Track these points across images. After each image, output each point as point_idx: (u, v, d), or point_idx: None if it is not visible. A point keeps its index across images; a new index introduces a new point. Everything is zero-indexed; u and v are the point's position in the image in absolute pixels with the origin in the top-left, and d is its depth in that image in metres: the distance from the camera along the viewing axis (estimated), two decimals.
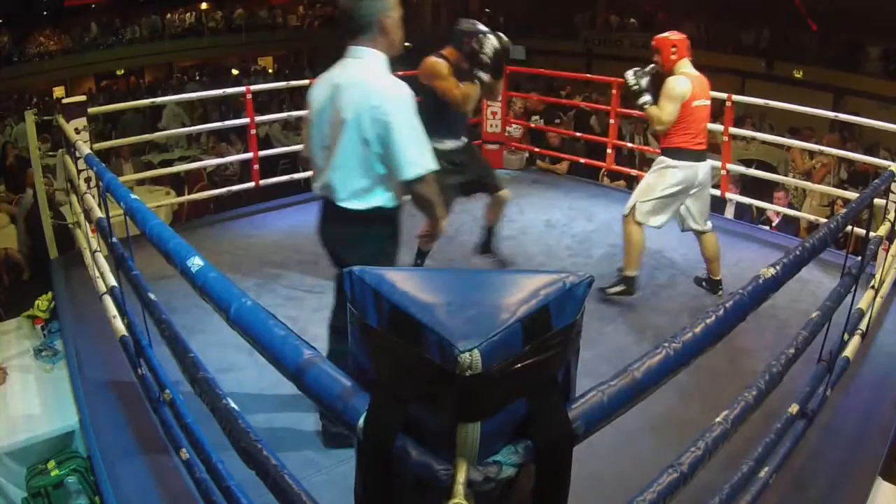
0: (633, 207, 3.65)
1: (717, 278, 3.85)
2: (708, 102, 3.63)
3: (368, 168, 2.16)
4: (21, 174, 7.03)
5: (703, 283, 3.91)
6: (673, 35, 3.60)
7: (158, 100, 7.12)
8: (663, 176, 3.61)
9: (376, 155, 2.13)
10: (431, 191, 2.23)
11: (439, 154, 2.91)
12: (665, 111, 3.50)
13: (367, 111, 2.08)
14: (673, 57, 3.53)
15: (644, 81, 3.60)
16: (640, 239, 3.67)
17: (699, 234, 3.80)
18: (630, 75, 3.64)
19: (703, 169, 3.62)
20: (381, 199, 2.24)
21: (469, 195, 3.89)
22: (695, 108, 3.52)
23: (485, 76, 3.45)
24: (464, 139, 3.71)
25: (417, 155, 2.13)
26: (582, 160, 6.50)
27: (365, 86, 2.10)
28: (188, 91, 13.03)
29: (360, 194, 2.21)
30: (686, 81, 3.48)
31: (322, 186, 2.27)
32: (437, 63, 3.43)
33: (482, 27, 3.54)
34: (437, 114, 3.34)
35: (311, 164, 2.37)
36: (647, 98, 3.58)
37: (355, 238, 2.29)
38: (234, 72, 18.31)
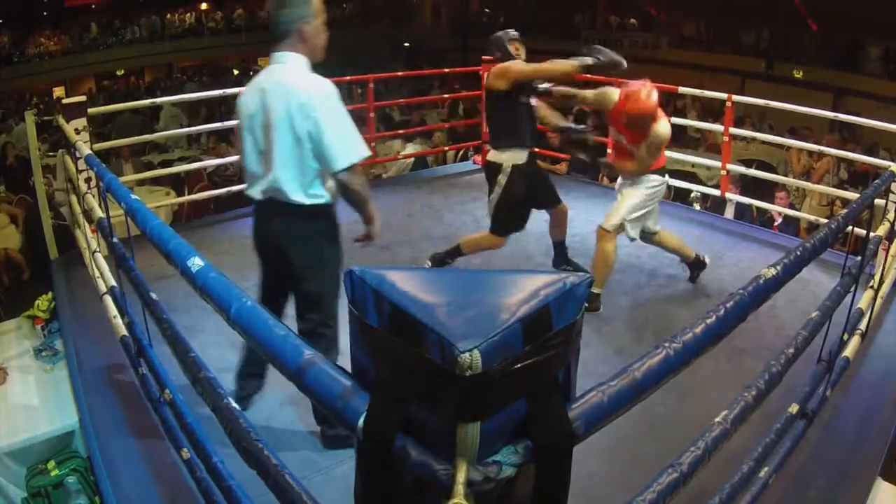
0: (619, 225, 3.64)
1: (693, 256, 3.96)
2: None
3: (306, 165, 2.24)
4: (21, 174, 7.04)
5: (692, 271, 4.01)
6: (642, 92, 3.49)
7: (158, 100, 7.12)
8: (654, 192, 3.71)
9: (310, 151, 2.22)
10: (361, 182, 2.28)
11: (515, 167, 3.52)
12: (653, 156, 3.61)
13: (296, 109, 2.17)
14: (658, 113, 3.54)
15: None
16: (615, 257, 3.67)
17: (654, 234, 3.90)
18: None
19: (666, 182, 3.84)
20: (322, 194, 2.31)
21: (538, 209, 3.91)
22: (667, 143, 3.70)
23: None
24: (529, 149, 3.71)
25: (346, 145, 2.20)
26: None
27: (291, 86, 2.20)
28: (186, 91, 13.02)
29: (305, 190, 2.28)
30: (666, 125, 3.57)
31: (266, 189, 2.32)
32: (505, 64, 3.53)
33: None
34: (507, 122, 3.49)
35: (245, 172, 2.40)
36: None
37: (303, 233, 2.36)
38: (235, 72, 18.31)
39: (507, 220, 3.69)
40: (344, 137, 2.20)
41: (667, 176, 3.82)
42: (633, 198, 3.70)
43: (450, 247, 3.92)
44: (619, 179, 3.88)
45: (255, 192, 2.37)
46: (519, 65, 3.53)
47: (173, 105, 10.47)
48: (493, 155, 3.67)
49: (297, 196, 2.28)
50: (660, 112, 3.56)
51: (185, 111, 11.07)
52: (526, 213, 3.75)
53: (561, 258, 4.12)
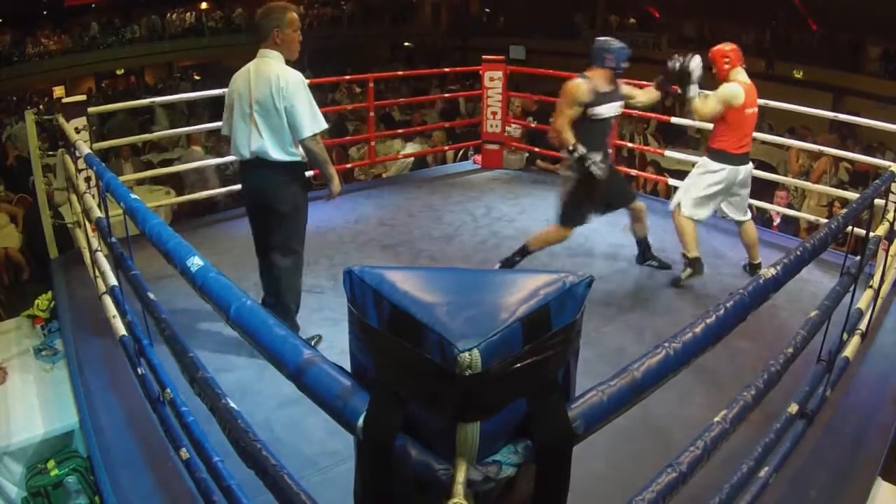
0: (679, 204, 3.98)
1: (757, 262, 4.15)
2: (756, 110, 3.92)
3: (283, 132, 2.97)
4: (22, 174, 7.04)
5: (746, 268, 4.23)
6: (725, 46, 3.89)
7: (158, 99, 7.12)
8: (705, 176, 3.92)
9: (285, 121, 2.94)
10: (321, 147, 3.03)
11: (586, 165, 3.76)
12: (707, 107, 3.80)
13: (275, 92, 2.90)
14: (726, 66, 3.83)
15: (693, 67, 3.92)
16: (691, 226, 3.98)
17: (739, 223, 4.11)
18: (678, 59, 3.97)
19: (743, 171, 3.90)
20: (295, 153, 3.03)
21: (609, 210, 4.10)
22: (747, 115, 3.79)
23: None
24: (605, 153, 3.88)
25: (311, 120, 2.94)
26: None
27: (272, 75, 2.92)
28: (181, 91, 12.99)
29: (283, 150, 2.99)
30: (739, 89, 3.75)
31: (253, 150, 3.01)
32: (566, 87, 3.77)
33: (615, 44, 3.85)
34: (582, 128, 3.75)
35: (233, 139, 3.09)
36: (695, 90, 3.89)
37: (280, 183, 3.06)
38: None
39: (576, 212, 3.96)
40: (309, 114, 2.93)
41: (729, 165, 3.84)
42: (689, 178, 4.06)
43: (517, 248, 4.11)
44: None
45: (244, 153, 3.04)
46: (559, 108, 3.87)
47: (162, 106, 10.45)
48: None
49: (277, 154, 2.99)
50: (735, 74, 3.81)
51: (174, 112, 11.05)
52: (594, 208, 3.97)
53: (644, 254, 4.31)
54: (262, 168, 3.03)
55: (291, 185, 3.07)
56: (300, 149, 3.02)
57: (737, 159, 3.87)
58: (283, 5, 3.01)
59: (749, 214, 4.12)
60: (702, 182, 3.95)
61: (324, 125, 2.97)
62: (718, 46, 3.93)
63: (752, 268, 4.18)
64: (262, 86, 2.92)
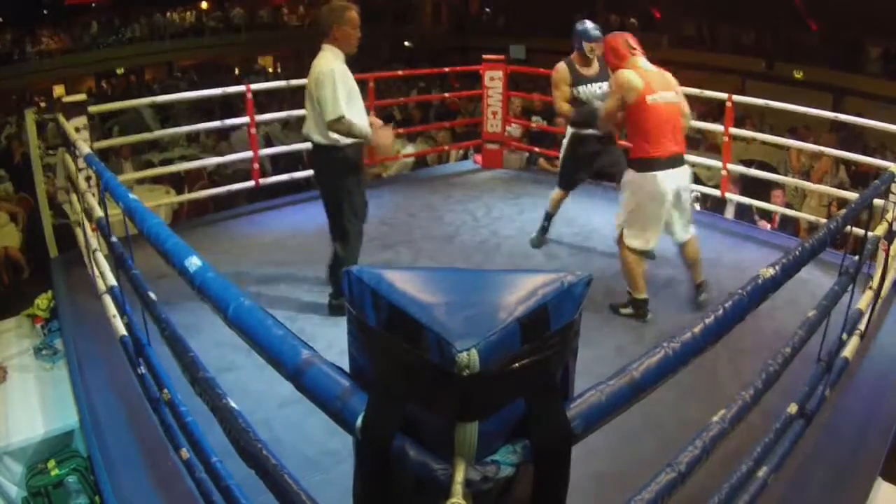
0: (622, 233, 3.51)
1: (701, 280, 3.68)
2: (672, 97, 3.35)
3: (320, 117, 3.30)
4: (27, 172, 7.03)
5: (697, 295, 3.69)
6: (614, 37, 3.49)
7: (159, 98, 7.10)
8: (632, 193, 3.43)
9: (320, 108, 3.28)
10: (345, 127, 3.27)
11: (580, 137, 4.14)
12: (606, 104, 3.50)
13: (313, 81, 3.29)
14: (617, 58, 3.41)
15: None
16: (635, 259, 3.50)
17: (682, 244, 3.62)
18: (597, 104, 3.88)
19: (673, 177, 3.35)
20: (331, 137, 3.33)
21: (600, 177, 4.42)
22: (650, 106, 3.27)
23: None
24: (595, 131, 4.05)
25: (331, 107, 3.23)
26: None
27: (317, 67, 3.30)
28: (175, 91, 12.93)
29: (321, 133, 3.35)
30: (631, 74, 3.29)
31: (304, 132, 3.47)
32: (554, 71, 4.15)
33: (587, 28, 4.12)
34: (574, 106, 4.08)
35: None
36: (598, 104, 3.74)
37: (320, 164, 3.50)
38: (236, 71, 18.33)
39: (566, 175, 4.39)
40: (331, 102, 3.22)
41: (652, 172, 3.32)
42: (620, 198, 3.54)
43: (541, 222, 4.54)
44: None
45: (305, 134, 3.50)
46: (555, 92, 4.26)
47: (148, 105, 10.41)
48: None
49: (318, 137, 3.37)
50: (630, 63, 3.36)
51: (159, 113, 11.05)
52: (582, 172, 4.34)
53: None
54: (312, 150, 3.51)
55: (331, 167, 3.42)
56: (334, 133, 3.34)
57: (660, 163, 3.31)
58: (345, 5, 3.35)
59: (693, 230, 3.62)
60: (629, 201, 3.43)
61: (340, 112, 3.21)
62: (607, 37, 3.55)
63: (698, 288, 3.68)
64: (310, 77, 3.33)
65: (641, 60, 3.40)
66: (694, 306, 3.69)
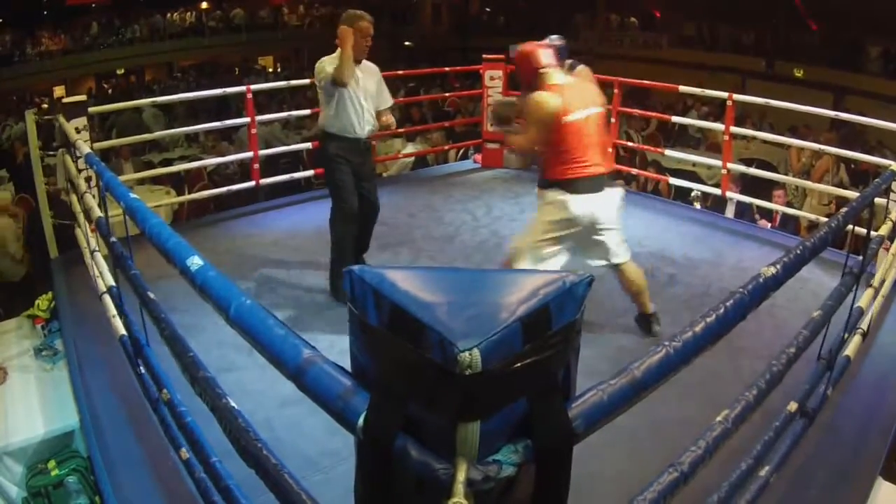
0: (512, 257, 3.17)
1: (650, 312, 3.37)
2: (594, 111, 3.05)
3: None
4: (29, 173, 7.02)
5: (641, 324, 3.41)
6: (525, 48, 3.10)
7: (159, 99, 7.13)
8: (544, 215, 3.08)
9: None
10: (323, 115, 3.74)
11: None
12: (528, 136, 3.04)
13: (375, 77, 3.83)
14: (528, 74, 3.08)
15: (503, 113, 3.49)
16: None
17: (615, 266, 3.21)
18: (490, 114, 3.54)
19: (598, 202, 3.02)
20: (324, 124, 3.76)
21: None
22: (566, 125, 2.95)
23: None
24: None
25: (389, 97, 3.90)
26: None
27: (371, 66, 3.80)
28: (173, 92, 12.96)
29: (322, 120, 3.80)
30: (545, 97, 2.96)
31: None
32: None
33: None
34: None
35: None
36: (509, 127, 3.28)
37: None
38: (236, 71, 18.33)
39: None
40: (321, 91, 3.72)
41: (573, 195, 2.97)
42: (533, 219, 3.23)
43: None
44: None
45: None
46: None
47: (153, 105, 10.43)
48: None
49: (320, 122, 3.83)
50: (547, 79, 3.00)
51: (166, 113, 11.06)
52: None
53: None
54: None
55: (321, 150, 3.89)
56: (323, 120, 3.72)
57: (576, 186, 2.98)
58: (359, 14, 3.57)
59: (628, 254, 3.22)
60: (540, 224, 3.08)
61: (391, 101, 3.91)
62: (517, 51, 3.12)
63: (645, 320, 3.37)
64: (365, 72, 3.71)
65: (556, 75, 3.04)
66: (695, 305, 3.69)
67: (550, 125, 2.94)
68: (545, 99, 2.94)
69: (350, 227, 3.76)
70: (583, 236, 3.10)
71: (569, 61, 3.27)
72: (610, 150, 3.17)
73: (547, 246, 3.08)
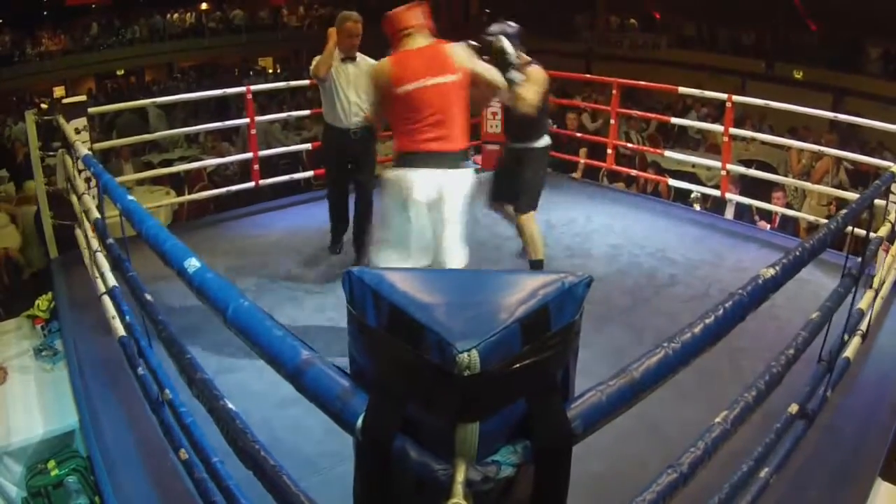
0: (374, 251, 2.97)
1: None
2: (442, 79, 2.73)
3: None
4: (29, 173, 7.03)
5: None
6: (389, 14, 2.84)
7: (158, 100, 7.12)
8: (384, 197, 2.84)
9: None
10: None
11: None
12: (370, 103, 3.02)
13: None
14: (390, 35, 2.84)
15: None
16: None
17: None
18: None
19: (431, 178, 2.73)
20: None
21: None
22: (403, 94, 2.72)
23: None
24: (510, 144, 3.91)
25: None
26: (582, 160, 6.52)
27: (369, 63, 3.77)
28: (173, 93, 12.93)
29: None
30: (382, 64, 2.81)
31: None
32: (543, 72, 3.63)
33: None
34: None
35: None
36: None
37: None
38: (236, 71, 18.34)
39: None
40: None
41: (409, 169, 2.74)
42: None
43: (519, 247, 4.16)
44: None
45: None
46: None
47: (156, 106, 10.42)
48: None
49: None
50: (404, 43, 2.80)
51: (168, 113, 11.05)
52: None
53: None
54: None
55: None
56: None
57: (416, 159, 2.73)
58: (346, 15, 3.86)
59: (466, 259, 2.91)
60: (383, 211, 2.85)
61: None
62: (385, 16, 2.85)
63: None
64: None
65: (416, 39, 2.79)
66: (695, 306, 3.69)
67: (384, 93, 2.77)
68: (379, 65, 2.84)
69: (333, 200, 4.26)
70: (419, 220, 2.77)
71: (526, 57, 3.42)
72: (464, 127, 2.80)
73: (390, 233, 2.83)
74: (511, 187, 3.86)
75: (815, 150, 5.48)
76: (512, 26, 3.52)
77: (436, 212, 2.77)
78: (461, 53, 2.80)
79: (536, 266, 3.80)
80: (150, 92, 14.91)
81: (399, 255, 2.80)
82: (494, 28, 3.53)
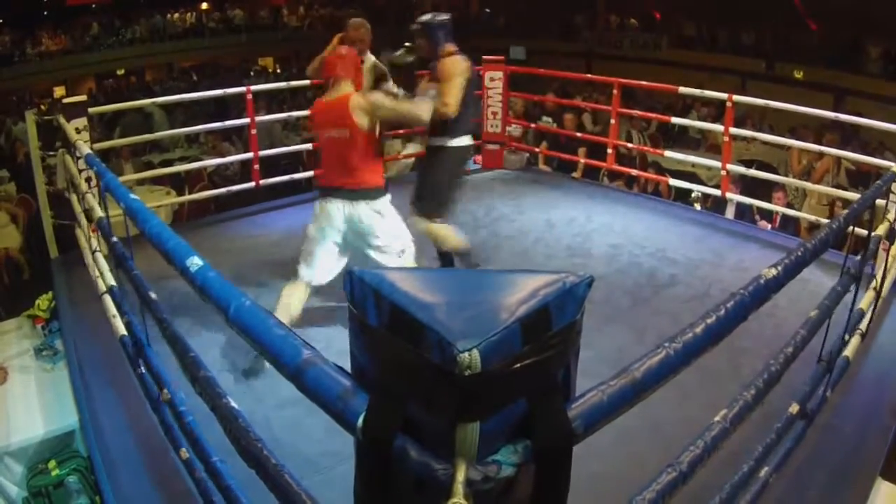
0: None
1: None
2: (336, 134, 3.01)
3: None
4: (30, 172, 7.04)
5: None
6: (327, 58, 3.17)
7: (159, 100, 7.12)
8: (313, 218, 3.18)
9: None
10: None
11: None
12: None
13: None
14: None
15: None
16: (298, 297, 3.16)
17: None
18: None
19: (328, 208, 3.06)
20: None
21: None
22: (320, 138, 3.16)
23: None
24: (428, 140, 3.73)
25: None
26: (581, 160, 6.52)
27: (368, 61, 3.95)
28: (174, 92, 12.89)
29: None
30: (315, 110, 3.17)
31: None
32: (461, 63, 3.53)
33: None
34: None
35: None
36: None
37: None
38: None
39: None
40: None
41: (324, 204, 3.09)
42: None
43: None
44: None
45: None
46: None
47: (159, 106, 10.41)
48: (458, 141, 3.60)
49: None
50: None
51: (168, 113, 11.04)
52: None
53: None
54: None
55: None
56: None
57: (324, 190, 3.10)
58: (353, 22, 3.98)
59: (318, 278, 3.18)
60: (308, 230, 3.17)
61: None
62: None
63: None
64: None
65: (337, 87, 3.03)
66: (695, 306, 3.69)
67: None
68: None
69: None
70: (344, 245, 3.17)
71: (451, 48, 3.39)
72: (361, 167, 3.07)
73: (310, 251, 3.15)
74: (417, 187, 3.70)
75: (816, 150, 5.48)
76: (441, 17, 3.53)
77: (356, 238, 3.13)
78: (361, 105, 2.96)
79: (455, 255, 3.62)
80: (151, 91, 14.89)
81: (318, 272, 3.14)
82: (422, 19, 3.53)
